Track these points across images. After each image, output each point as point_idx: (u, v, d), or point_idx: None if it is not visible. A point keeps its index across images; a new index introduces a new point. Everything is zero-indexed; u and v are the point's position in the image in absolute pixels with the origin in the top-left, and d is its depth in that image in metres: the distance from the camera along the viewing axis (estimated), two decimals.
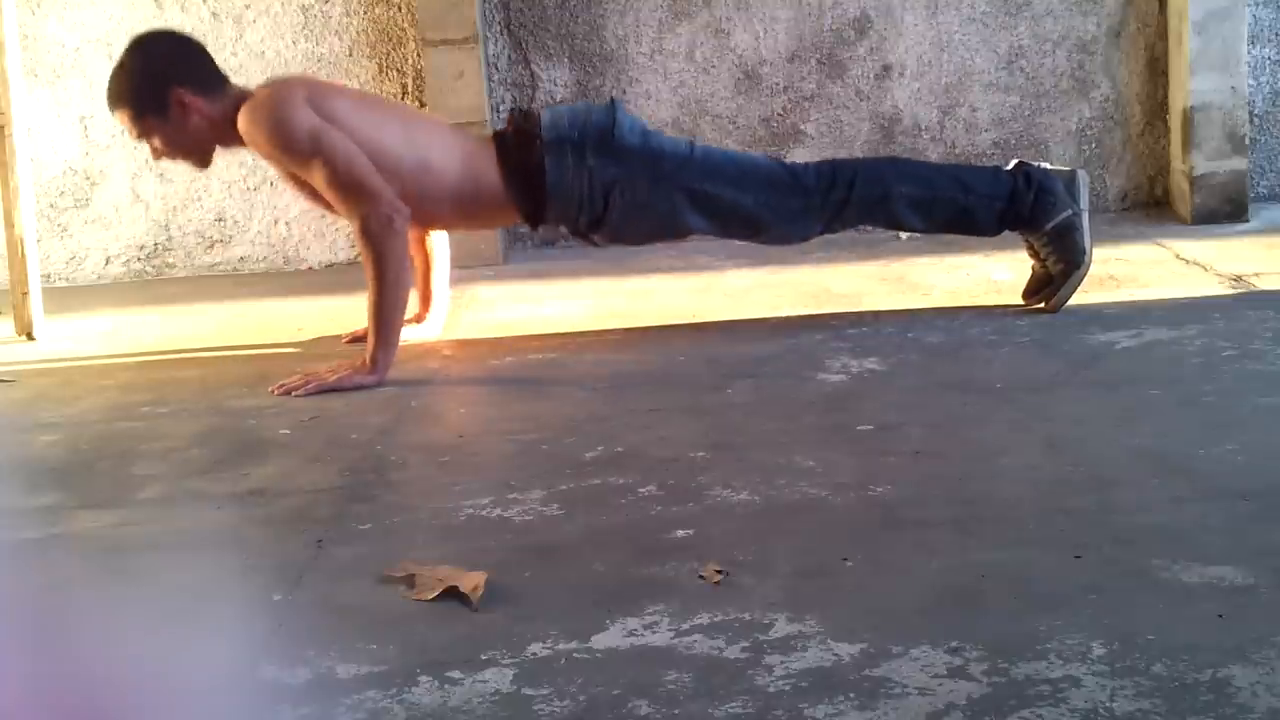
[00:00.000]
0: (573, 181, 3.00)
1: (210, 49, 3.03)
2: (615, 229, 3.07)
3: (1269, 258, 3.50)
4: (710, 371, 2.81)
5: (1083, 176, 3.09)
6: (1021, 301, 3.14)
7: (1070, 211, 3.04)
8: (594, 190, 3.00)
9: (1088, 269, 3.06)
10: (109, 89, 2.97)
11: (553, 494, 2.15)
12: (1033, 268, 3.13)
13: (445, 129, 3.13)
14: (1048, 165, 3.14)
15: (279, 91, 2.94)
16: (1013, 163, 3.15)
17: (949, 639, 1.57)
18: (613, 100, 3.10)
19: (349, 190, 2.87)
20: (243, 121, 2.89)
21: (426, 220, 3.08)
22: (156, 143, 2.96)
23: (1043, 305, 3.09)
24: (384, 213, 2.86)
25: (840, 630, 1.62)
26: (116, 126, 4.03)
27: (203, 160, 3.03)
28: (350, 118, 2.93)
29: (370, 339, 2.87)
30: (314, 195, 2.99)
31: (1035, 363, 2.74)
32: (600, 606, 1.73)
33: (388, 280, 2.86)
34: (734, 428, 2.44)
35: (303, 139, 2.87)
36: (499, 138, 3.08)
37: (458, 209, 3.05)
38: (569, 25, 4.17)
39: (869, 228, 3.42)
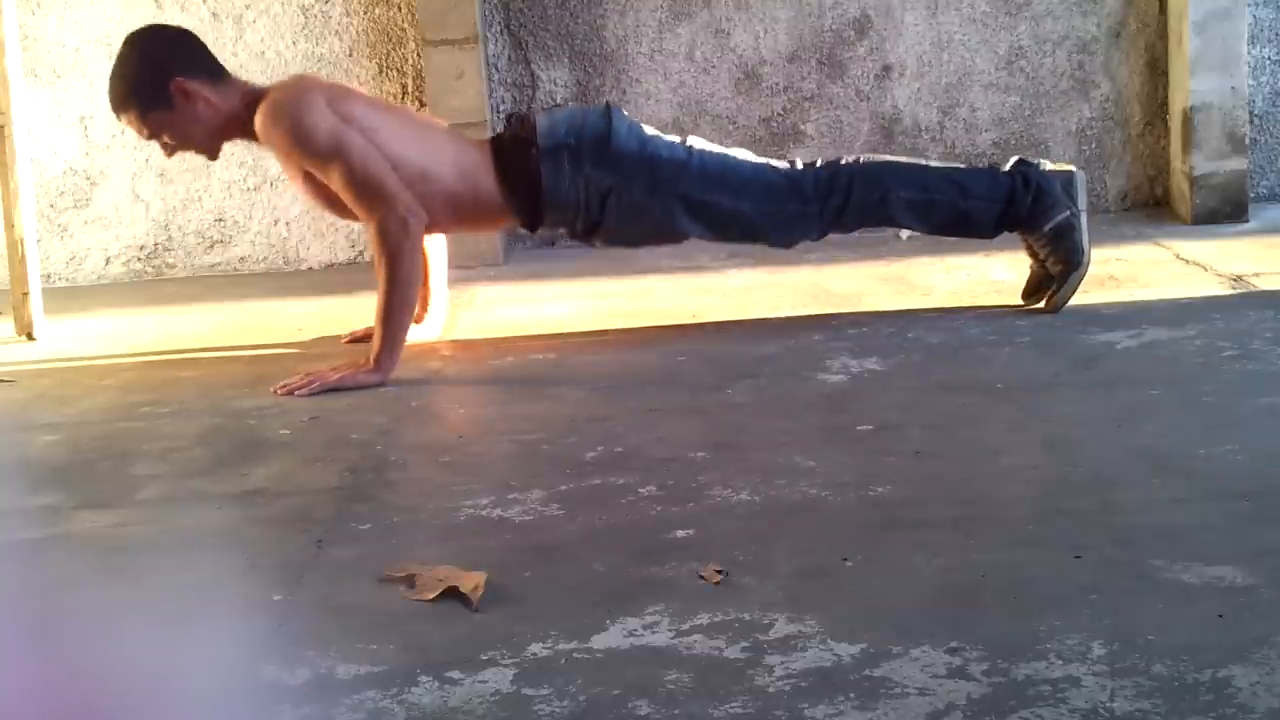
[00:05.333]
0: (569, 188, 3.00)
1: (210, 49, 3.03)
2: (612, 233, 3.09)
3: (1269, 258, 3.50)
4: (710, 371, 2.81)
5: (1080, 176, 3.09)
6: (1021, 301, 3.14)
7: (1069, 212, 3.04)
8: (590, 196, 3.00)
9: (1086, 269, 3.06)
10: (111, 94, 2.95)
11: (553, 494, 2.15)
12: (1031, 267, 3.13)
13: (444, 134, 3.11)
14: (1046, 164, 3.14)
15: (298, 91, 2.94)
16: (1011, 162, 3.15)
17: (949, 639, 1.57)
18: (609, 105, 3.10)
19: (367, 191, 2.88)
20: (261, 119, 2.89)
21: (427, 225, 3.07)
22: (167, 138, 2.96)
23: (1042, 305, 3.09)
24: (400, 214, 2.87)
25: (840, 630, 1.62)
26: (117, 126, 4.05)
27: (213, 151, 3.02)
28: (366, 120, 2.94)
29: (376, 338, 2.88)
30: (323, 197, 2.98)
31: (1035, 363, 2.74)
32: (600, 606, 1.73)
33: (400, 281, 2.87)
34: (734, 428, 2.44)
35: (323, 139, 2.87)
36: (495, 143, 3.08)
37: (456, 214, 3.04)
38: (569, 25, 4.17)
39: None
